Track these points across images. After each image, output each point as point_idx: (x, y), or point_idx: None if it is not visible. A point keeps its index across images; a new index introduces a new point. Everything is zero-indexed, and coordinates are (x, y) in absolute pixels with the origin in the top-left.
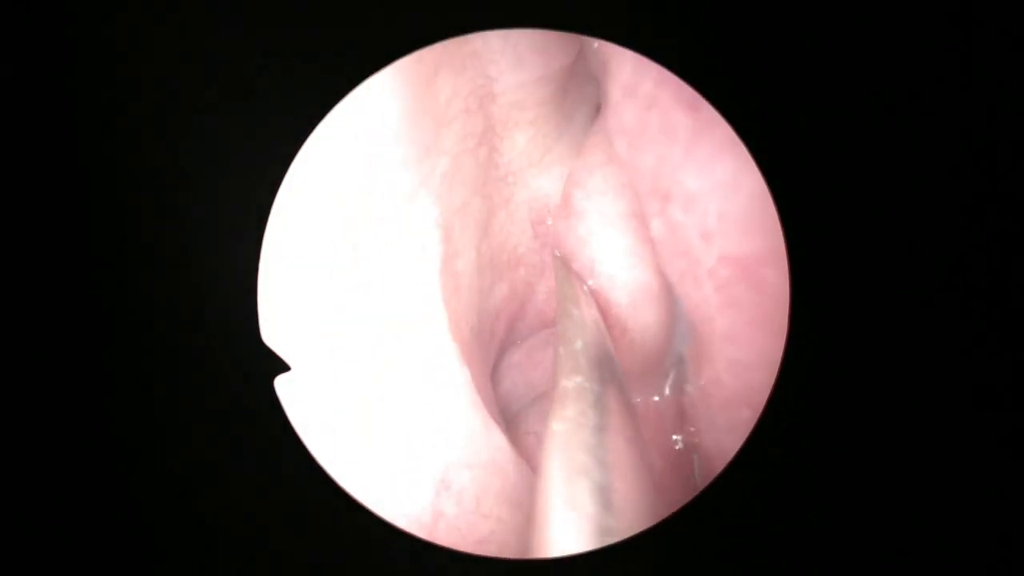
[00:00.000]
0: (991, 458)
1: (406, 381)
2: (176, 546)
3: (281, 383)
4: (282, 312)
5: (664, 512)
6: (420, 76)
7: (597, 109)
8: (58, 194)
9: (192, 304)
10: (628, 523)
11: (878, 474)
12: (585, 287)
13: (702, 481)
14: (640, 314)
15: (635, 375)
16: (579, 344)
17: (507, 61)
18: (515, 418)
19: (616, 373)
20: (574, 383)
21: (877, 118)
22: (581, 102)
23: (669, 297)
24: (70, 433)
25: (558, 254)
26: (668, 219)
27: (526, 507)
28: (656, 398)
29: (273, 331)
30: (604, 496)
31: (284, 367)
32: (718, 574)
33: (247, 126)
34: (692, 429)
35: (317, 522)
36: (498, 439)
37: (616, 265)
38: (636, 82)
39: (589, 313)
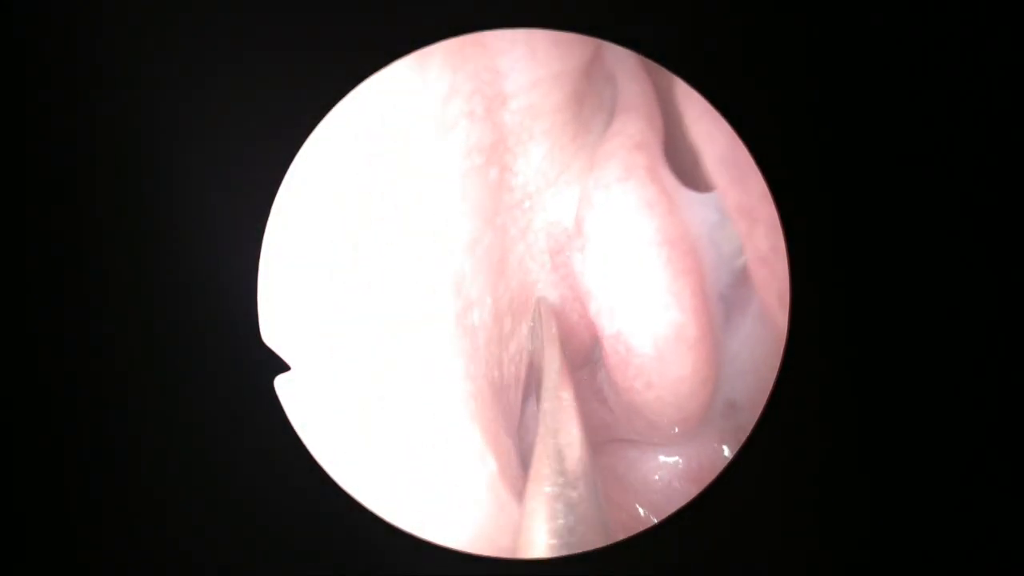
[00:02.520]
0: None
1: (406, 381)
2: (175, 546)
3: (281, 383)
4: (282, 312)
5: None
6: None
7: (611, 114)
8: (57, 194)
9: (192, 304)
10: None
11: (879, 475)
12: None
13: None
14: (669, 366)
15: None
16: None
17: (520, 52)
18: None
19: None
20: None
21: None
22: (598, 108)
23: (711, 340)
24: (69, 433)
25: (540, 297)
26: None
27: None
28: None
29: (273, 331)
30: None
31: (284, 367)
32: (717, 574)
33: (247, 126)
34: None
35: (316, 522)
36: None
37: (640, 306)
38: None
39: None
